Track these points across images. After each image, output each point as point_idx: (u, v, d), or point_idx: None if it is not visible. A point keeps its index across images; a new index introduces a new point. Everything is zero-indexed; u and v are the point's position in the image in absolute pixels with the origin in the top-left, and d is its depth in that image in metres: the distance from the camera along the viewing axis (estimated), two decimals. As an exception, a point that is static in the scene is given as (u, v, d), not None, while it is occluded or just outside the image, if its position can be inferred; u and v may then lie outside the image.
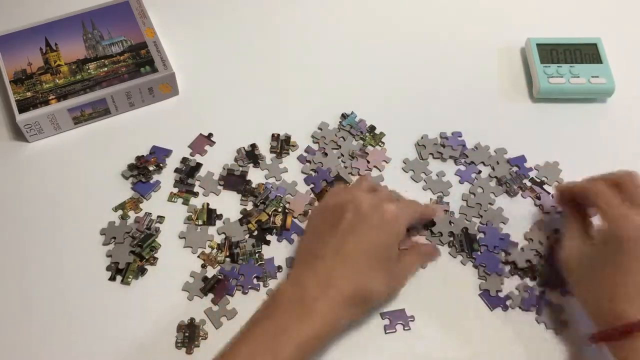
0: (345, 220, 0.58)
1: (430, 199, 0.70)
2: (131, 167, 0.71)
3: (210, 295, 0.64)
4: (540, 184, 0.71)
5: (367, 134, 0.74)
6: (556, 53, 0.78)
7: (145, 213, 0.69)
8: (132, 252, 0.66)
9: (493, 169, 0.72)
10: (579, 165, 0.72)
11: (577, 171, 0.72)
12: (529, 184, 0.71)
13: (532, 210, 0.70)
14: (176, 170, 0.72)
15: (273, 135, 0.74)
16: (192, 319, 0.62)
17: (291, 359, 0.52)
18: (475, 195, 0.70)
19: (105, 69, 0.74)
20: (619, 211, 0.57)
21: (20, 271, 0.65)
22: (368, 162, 0.72)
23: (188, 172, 0.71)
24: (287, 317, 0.54)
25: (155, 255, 0.66)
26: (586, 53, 0.78)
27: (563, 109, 0.77)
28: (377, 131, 0.75)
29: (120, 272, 0.65)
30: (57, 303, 0.63)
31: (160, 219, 0.68)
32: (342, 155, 0.73)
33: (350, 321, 0.58)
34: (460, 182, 0.71)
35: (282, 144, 0.74)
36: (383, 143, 0.74)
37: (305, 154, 0.73)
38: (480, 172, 0.72)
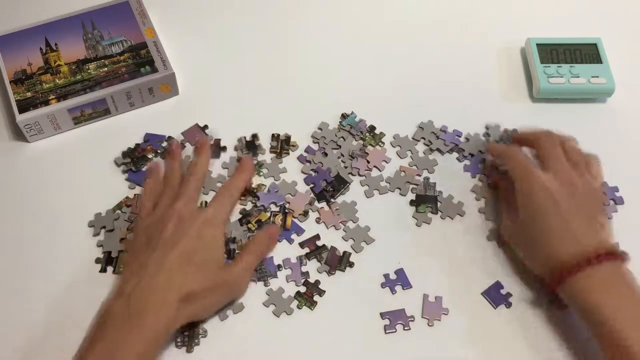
0: (166, 232, 0.59)
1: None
2: (125, 154, 0.72)
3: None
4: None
5: (367, 134, 0.74)
6: (556, 53, 0.78)
7: (135, 195, 0.69)
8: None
9: (488, 134, 0.75)
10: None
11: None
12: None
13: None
14: (176, 170, 0.72)
15: (273, 135, 0.74)
16: (191, 319, 0.62)
17: None
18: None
19: (105, 69, 0.74)
20: (524, 171, 0.62)
21: (19, 271, 0.65)
22: (368, 162, 0.72)
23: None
24: (119, 334, 0.53)
25: (155, 255, 0.66)
26: (586, 53, 0.78)
27: (563, 109, 0.78)
28: (377, 131, 0.75)
29: (111, 262, 0.65)
30: (56, 303, 0.63)
31: None
32: (342, 155, 0.73)
33: (183, 322, 0.58)
34: (472, 176, 0.72)
35: (282, 144, 0.74)
36: (383, 143, 0.74)
37: (305, 154, 0.73)
38: (484, 160, 0.73)
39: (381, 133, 0.75)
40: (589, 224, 0.60)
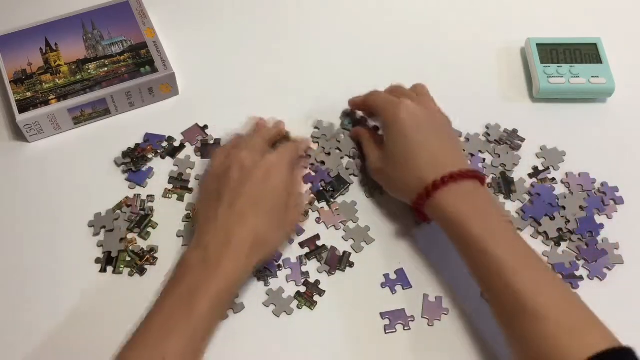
0: (232, 181, 0.62)
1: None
2: (125, 154, 0.72)
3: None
4: (542, 182, 0.72)
5: None
6: (556, 53, 0.78)
7: (135, 195, 0.69)
8: (133, 252, 0.66)
9: (488, 134, 0.75)
10: (578, 165, 0.73)
11: (577, 171, 0.72)
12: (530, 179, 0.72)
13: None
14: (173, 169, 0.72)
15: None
16: (191, 319, 0.62)
17: (206, 313, 0.55)
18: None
19: (105, 69, 0.74)
20: (389, 102, 0.66)
21: (19, 271, 0.65)
22: None
23: (170, 152, 0.73)
24: (196, 278, 0.56)
25: (155, 255, 0.66)
26: (586, 53, 0.78)
27: (563, 109, 0.78)
28: (379, 132, 0.74)
29: (111, 262, 0.65)
30: (56, 303, 0.63)
31: (151, 197, 0.69)
32: (342, 156, 0.73)
33: (255, 266, 0.61)
34: None
35: (280, 140, 0.74)
36: None
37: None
38: (484, 160, 0.73)
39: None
40: (449, 146, 0.64)
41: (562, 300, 0.54)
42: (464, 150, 0.74)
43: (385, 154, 0.66)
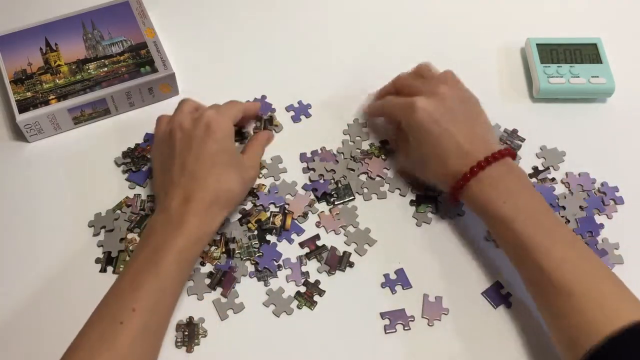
0: (177, 144, 0.63)
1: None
2: (125, 154, 0.72)
3: (219, 289, 0.64)
4: (542, 182, 0.72)
5: (374, 146, 0.74)
6: (556, 53, 0.78)
7: (135, 195, 0.69)
8: (133, 252, 0.66)
9: None
10: (578, 165, 0.73)
11: (577, 171, 0.72)
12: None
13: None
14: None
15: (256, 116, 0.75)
16: (190, 318, 0.62)
17: (172, 269, 0.57)
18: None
19: (105, 69, 0.74)
20: (403, 106, 0.66)
21: (19, 271, 0.65)
22: (370, 171, 0.72)
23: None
24: (161, 238, 0.58)
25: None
26: (586, 53, 0.78)
27: (563, 109, 0.78)
28: (388, 146, 0.74)
29: (111, 262, 0.65)
30: (56, 303, 0.63)
31: (151, 197, 0.69)
32: (343, 156, 0.73)
33: (221, 220, 0.63)
34: None
35: (265, 124, 0.74)
36: (385, 157, 0.73)
37: (309, 156, 0.73)
38: None
39: (391, 149, 0.74)
40: (472, 132, 0.64)
41: (590, 274, 0.55)
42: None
43: (412, 158, 0.68)
